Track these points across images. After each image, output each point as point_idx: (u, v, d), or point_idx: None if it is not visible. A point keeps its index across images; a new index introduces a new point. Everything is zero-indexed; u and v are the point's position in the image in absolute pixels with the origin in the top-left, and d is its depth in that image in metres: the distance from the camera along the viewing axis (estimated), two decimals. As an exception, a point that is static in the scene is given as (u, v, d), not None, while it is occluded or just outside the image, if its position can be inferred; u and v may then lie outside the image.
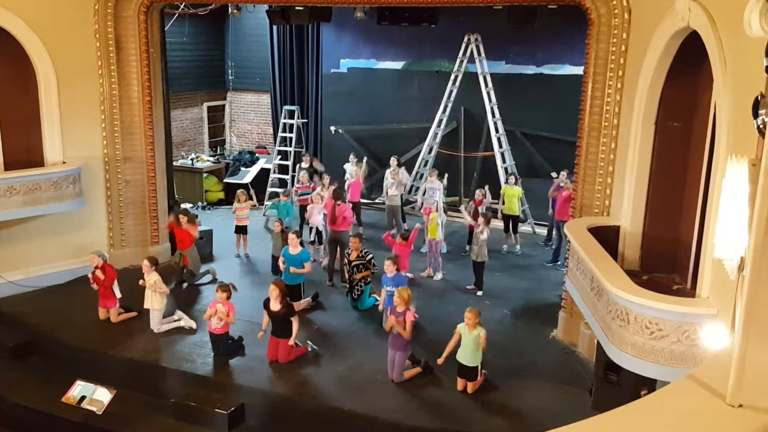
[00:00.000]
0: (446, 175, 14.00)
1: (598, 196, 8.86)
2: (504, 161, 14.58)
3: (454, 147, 15.73)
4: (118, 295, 9.83)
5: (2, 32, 10.02)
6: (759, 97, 3.72)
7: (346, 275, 10.51)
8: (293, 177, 15.58)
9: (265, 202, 15.76)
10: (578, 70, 10.83)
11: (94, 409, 7.36)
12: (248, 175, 16.94)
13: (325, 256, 12.00)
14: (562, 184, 12.27)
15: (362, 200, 14.61)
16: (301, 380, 8.41)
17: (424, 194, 13.70)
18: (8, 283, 10.59)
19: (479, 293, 11.02)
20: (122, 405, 7.77)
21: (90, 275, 9.82)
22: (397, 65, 16.24)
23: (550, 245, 13.06)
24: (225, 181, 16.99)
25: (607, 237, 7.55)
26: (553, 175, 13.19)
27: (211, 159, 17.51)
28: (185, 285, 11.26)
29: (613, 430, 3.32)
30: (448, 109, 15.24)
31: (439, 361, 8.17)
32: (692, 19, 6.04)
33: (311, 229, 12.46)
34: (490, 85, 14.62)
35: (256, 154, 17.95)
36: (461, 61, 14.89)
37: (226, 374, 8.65)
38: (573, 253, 7.81)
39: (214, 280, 11.20)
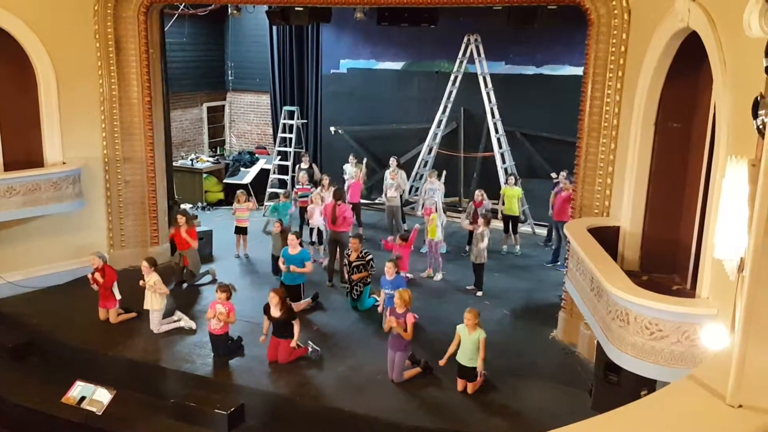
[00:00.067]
0: (444, 173, 14.01)
1: (598, 197, 8.86)
2: (504, 162, 14.58)
3: (454, 147, 15.73)
4: (118, 296, 9.83)
5: (2, 33, 10.02)
6: (758, 98, 3.72)
7: (346, 276, 10.51)
8: (293, 177, 15.57)
9: (265, 203, 15.77)
10: (578, 71, 10.84)
11: (93, 409, 7.36)
12: (248, 175, 16.93)
13: (325, 257, 12.01)
14: (561, 185, 12.27)
15: (362, 201, 14.59)
16: (301, 380, 8.41)
17: (424, 195, 13.69)
18: (8, 284, 10.59)
19: (479, 293, 11.03)
20: (122, 405, 7.77)
21: (90, 276, 9.82)
22: (397, 66, 16.25)
23: (550, 246, 13.07)
24: (225, 181, 16.99)
25: (607, 237, 7.55)
26: (553, 175, 13.21)
27: (211, 159, 17.51)
28: (185, 285, 11.26)
29: (613, 430, 3.32)
30: (448, 110, 15.25)
31: (441, 362, 8.17)
32: (692, 20, 6.04)
33: (311, 229, 12.47)
34: (489, 85, 14.63)
35: (256, 155, 17.94)
36: (461, 62, 14.90)
37: (226, 375, 8.65)
38: (573, 254, 7.82)
39: (213, 281, 11.20)
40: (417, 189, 15.73)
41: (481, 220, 11.15)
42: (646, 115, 7.33)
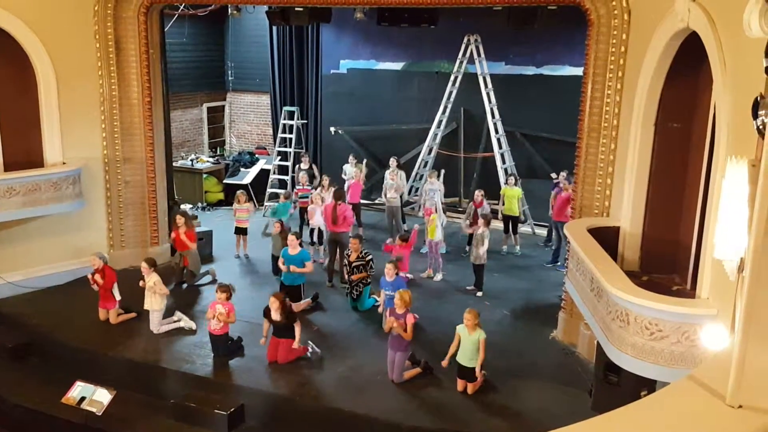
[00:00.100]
0: (442, 171, 14.01)
1: (598, 197, 8.86)
2: (504, 162, 14.58)
3: (454, 148, 15.74)
4: (118, 297, 9.82)
5: (2, 33, 10.02)
6: (758, 98, 3.72)
7: (346, 276, 10.51)
8: (293, 178, 15.57)
9: (265, 203, 15.77)
10: (578, 71, 10.84)
11: (93, 410, 7.36)
12: (248, 175, 16.93)
13: (325, 257, 12.01)
14: (561, 185, 12.28)
15: (362, 201, 14.59)
16: (301, 381, 8.41)
17: (424, 195, 13.69)
18: (8, 284, 10.59)
19: (479, 294, 11.03)
20: (122, 406, 7.77)
21: (90, 276, 9.82)
22: (397, 66, 16.25)
23: (550, 246, 13.07)
24: (225, 181, 16.99)
25: (607, 238, 7.55)
26: (553, 176, 13.21)
27: (211, 160, 17.51)
28: (185, 285, 11.26)
29: (613, 430, 3.32)
30: (448, 110, 15.25)
31: (444, 364, 8.16)
32: (692, 20, 6.05)
33: (312, 230, 12.47)
34: (489, 85, 14.63)
35: (256, 155, 17.95)
36: (461, 62, 14.90)
37: (226, 375, 8.65)
38: (573, 254, 7.82)
39: (213, 281, 11.20)
40: (417, 189, 15.74)
41: (481, 221, 11.15)
42: (646, 116, 7.33)
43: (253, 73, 18.13)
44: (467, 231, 11.86)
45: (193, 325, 9.67)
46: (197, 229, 12.31)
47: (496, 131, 14.62)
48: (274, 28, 16.60)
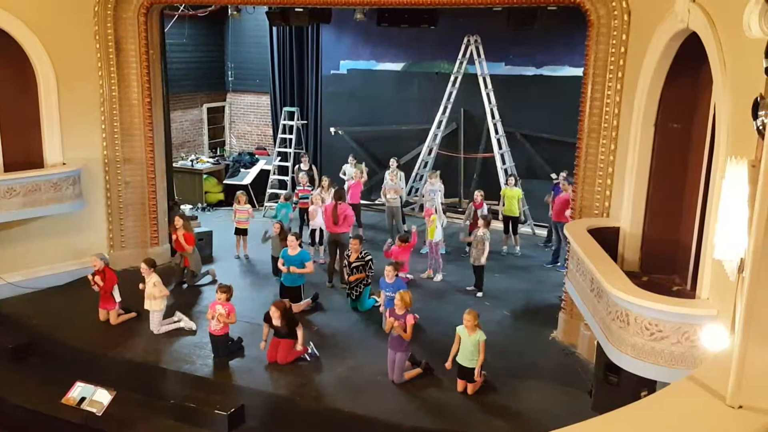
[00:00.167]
0: (437, 172, 14.01)
1: (598, 198, 8.86)
2: (504, 162, 14.58)
3: (454, 148, 15.74)
4: (118, 299, 9.82)
5: (2, 33, 10.02)
6: (758, 99, 3.72)
7: (346, 277, 10.51)
8: (293, 179, 15.56)
9: (265, 203, 15.78)
10: (578, 72, 10.84)
11: (93, 410, 7.36)
12: (248, 176, 16.94)
13: (325, 257, 12.01)
14: (560, 186, 12.28)
15: (362, 201, 14.58)
16: (301, 381, 8.41)
17: (425, 195, 13.69)
18: (8, 285, 10.59)
19: (479, 294, 11.02)
20: (122, 406, 7.76)
21: (90, 277, 9.82)
22: (397, 67, 16.26)
23: (550, 246, 13.07)
24: (225, 182, 17.00)
25: (607, 238, 7.55)
26: (553, 176, 13.22)
27: (211, 160, 17.51)
28: (185, 286, 11.26)
29: (614, 431, 3.32)
30: (448, 111, 15.25)
31: (447, 365, 8.16)
32: (692, 21, 6.05)
33: (312, 230, 12.47)
34: (489, 86, 14.63)
35: (256, 156, 17.95)
36: (461, 63, 14.91)
37: (226, 375, 8.65)
38: (573, 255, 7.82)
39: (214, 281, 11.21)
40: (417, 190, 15.74)
41: (481, 222, 11.15)
42: (646, 116, 7.33)
43: (253, 73, 18.13)
44: (465, 240, 11.77)
45: (194, 326, 9.67)
46: (197, 230, 12.33)
47: (496, 132, 14.62)
48: (274, 29, 16.60)
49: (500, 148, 14.61)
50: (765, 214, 3.26)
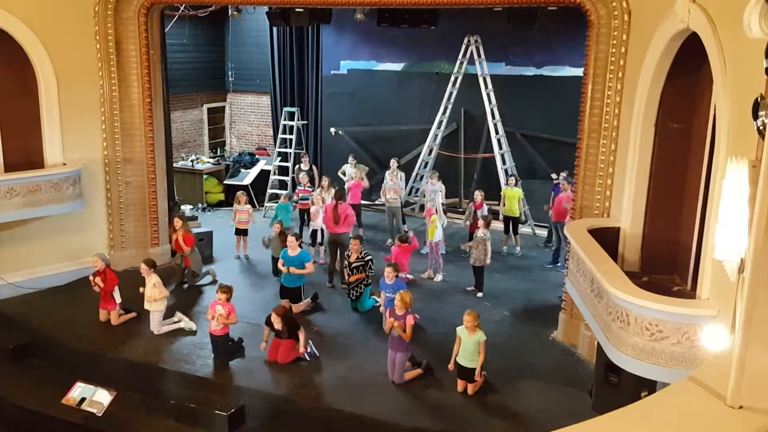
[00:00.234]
0: (437, 173, 14.00)
1: (598, 198, 8.86)
2: (504, 163, 14.58)
3: (454, 148, 15.74)
4: (119, 300, 9.82)
5: (2, 34, 10.03)
6: (759, 99, 3.72)
7: (347, 277, 10.50)
8: (293, 179, 15.56)
9: (265, 204, 15.78)
10: (578, 72, 10.83)
11: (94, 410, 7.35)
12: (248, 176, 16.95)
13: (325, 257, 12.01)
14: (560, 186, 12.28)
15: (362, 202, 14.58)
16: (301, 381, 8.41)
17: (427, 195, 13.69)
18: (8, 285, 10.59)
19: (479, 294, 11.02)
20: (122, 407, 7.75)
21: (90, 277, 9.82)
22: (397, 67, 16.26)
23: (550, 247, 13.07)
24: (225, 182, 17.01)
25: (607, 238, 7.55)
26: (553, 176, 13.21)
27: (211, 161, 17.53)
28: (185, 286, 11.26)
29: (614, 431, 3.32)
30: (448, 111, 15.25)
31: (450, 367, 8.15)
32: (692, 21, 6.05)
33: (314, 231, 12.47)
34: (490, 86, 14.63)
35: (256, 156, 17.96)
36: (461, 63, 14.91)
37: (226, 376, 8.65)
38: (573, 255, 7.82)
39: (214, 282, 11.21)
40: (417, 190, 15.75)
41: (481, 222, 11.15)
42: (646, 116, 7.33)
43: (254, 73, 18.14)
44: (466, 247, 11.71)
45: (194, 326, 9.67)
46: (197, 230, 12.33)
47: (497, 132, 14.62)
48: (275, 29, 16.61)
49: (500, 148, 14.60)
50: (765, 214, 3.26)
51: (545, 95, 14.46)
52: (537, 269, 12.44)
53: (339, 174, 14.60)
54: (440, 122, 15.31)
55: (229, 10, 15.78)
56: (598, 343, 6.84)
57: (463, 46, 14.80)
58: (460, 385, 8.10)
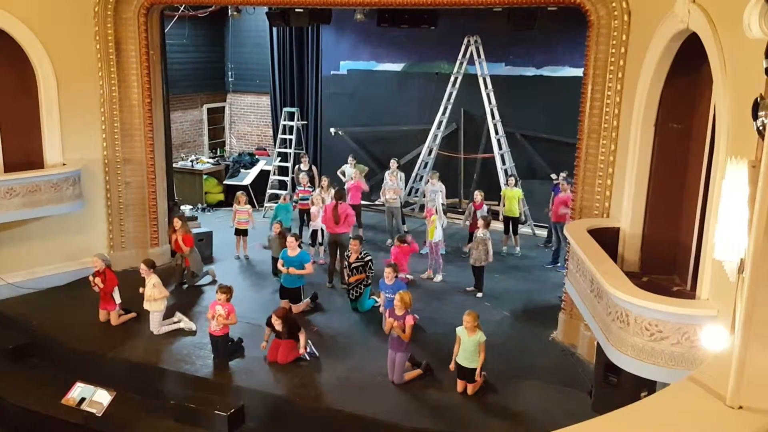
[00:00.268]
0: (437, 173, 14.01)
1: (598, 198, 8.86)
2: (504, 163, 14.58)
3: (454, 149, 15.74)
4: (118, 301, 9.82)
5: (2, 34, 10.03)
6: (758, 99, 3.72)
7: (346, 277, 10.51)
8: (293, 179, 15.56)
9: (265, 204, 15.78)
10: (578, 72, 10.84)
11: (93, 410, 7.35)
12: (248, 176, 16.95)
13: (325, 258, 12.01)
14: (560, 186, 12.29)
15: (362, 202, 14.58)
16: (301, 382, 8.41)
17: (424, 196, 13.69)
18: (8, 285, 10.59)
19: (479, 295, 11.02)
20: (122, 407, 7.75)
21: (90, 277, 9.82)
22: (397, 67, 16.26)
23: (550, 247, 13.07)
24: (225, 182, 17.01)
25: (607, 239, 7.55)
26: (553, 176, 13.21)
27: (211, 161, 17.52)
28: (185, 286, 11.26)
29: (614, 431, 3.32)
30: (448, 111, 15.25)
31: (451, 368, 8.16)
32: (692, 21, 6.05)
33: (314, 231, 12.47)
34: (489, 86, 14.63)
35: (256, 156, 17.96)
36: (461, 63, 14.91)
37: (226, 376, 8.65)
38: (573, 255, 7.82)
39: (213, 282, 11.21)
40: (417, 190, 15.75)
41: (480, 222, 11.15)
42: (646, 116, 7.33)
43: (253, 74, 18.14)
44: (467, 248, 11.72)
45: (193, 326, 9.67)
46: (197, 230, 12.33)
47: (496, 132, 14.62)
48: (274, 30, 16.61)
49: (500, 148, 14.60)
50: (765, 214, 3.26)
51: (545, 95, 14.46)
52: (537, 269, 12.44)
53: (338, 174, 14.60)
54: (440, 122, 15.31)
55: (229, 11, 15.80)
56: (598, 343, 6.84)
57: (463, 47, 14.80)
58: (460, 385, 8.10)
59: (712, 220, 5.44)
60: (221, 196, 16.74)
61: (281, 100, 17.10)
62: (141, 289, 9.59)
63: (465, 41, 14.77)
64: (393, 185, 13.63)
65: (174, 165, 14.44)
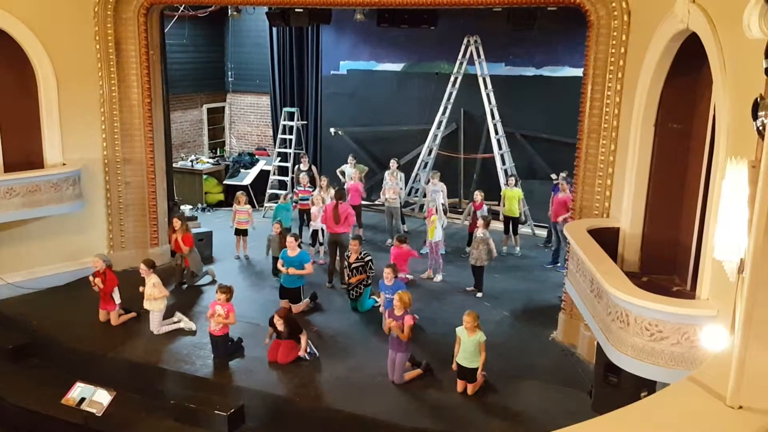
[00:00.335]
0: (438, 173, 14.01)
1: (598, 198, 8.86)
2: (504, 163, 14.58)
3: (454, 149, 15.74)
4: (118, 301, 9.82)
5: (2, 34, 10.02)
6: (758, 99, 3.72)
7: (346, 277, 10.51)
8: (293, 179, 15.56)
9: (265, 204, 15.78)
10: (578, 72, 10.84)
11: (93, 410, 7.35)
12: (248, 176, 16.95)
13: (325, 258, 12.01)
14: (560, 186, 12.29)
15: (362, 202, 14.58)
16: (301, 382, 8.41)
17: (424, 196, 13.68)
18: (8, 285, 10.59)
19: (479, 295, 11.02)
20: (122, 407, 7.75)
21: (90, 277, 9.82)
22: (397, 67, 16.26)
23: (550, 247, 13.08)
24: (225, 182, 17.01)
25: (607, 239, 7.55)
26: (553, 176, 13.22)
27: (211, 161, 17.52)
28: (185, 286, 11.26)
29: (614, 431, 3.32)
30: (448, 111, 15.25)
31: (453, 367, 8.15)
32: (691, 21, 6.05)
33: (314, 231, 12.47)
34: (489, 86, 14.64)
35: (256, 156, 17.96)
36: (461, 63, 14.91)
37: (226, 376, 8.65)
38: (573, 255, 7.82)
39: (213, 282, 11.21)
40: (417, 190, 15.75)
41: (480, 222, 11.15)
42: (646, 116, 7.33)
43: (253, 74, 18.14)
44: (471, 253, 11.71)
45: (193, 326, 9.67)
46: (196, 230, 12.33)
47: (496, 132, 14.62)
48: (274, 30, 16.61)
49: (500, 148, 14.61)
50: (765, 214, 3.27)
51: (545, 95, 14.46)
52: (537, 269, 12.44)
53: (337, 173, 14.60)
54: (440, 122, 15.31)
55: (229, 11, 15.80)
56: (598, 343, 6.85)
57: (463, 47, 14.80)
58: (460, 385, 8.10)
59: (712, 220, 5.45)
60: (221, 196, 16.74)
61: (281, 100, 17.10)
62: (141, 288, 9.59)
63: (465, 41, 14.77)
64: (393, 185, 13.63)
65: (174, 165, 14.45)
